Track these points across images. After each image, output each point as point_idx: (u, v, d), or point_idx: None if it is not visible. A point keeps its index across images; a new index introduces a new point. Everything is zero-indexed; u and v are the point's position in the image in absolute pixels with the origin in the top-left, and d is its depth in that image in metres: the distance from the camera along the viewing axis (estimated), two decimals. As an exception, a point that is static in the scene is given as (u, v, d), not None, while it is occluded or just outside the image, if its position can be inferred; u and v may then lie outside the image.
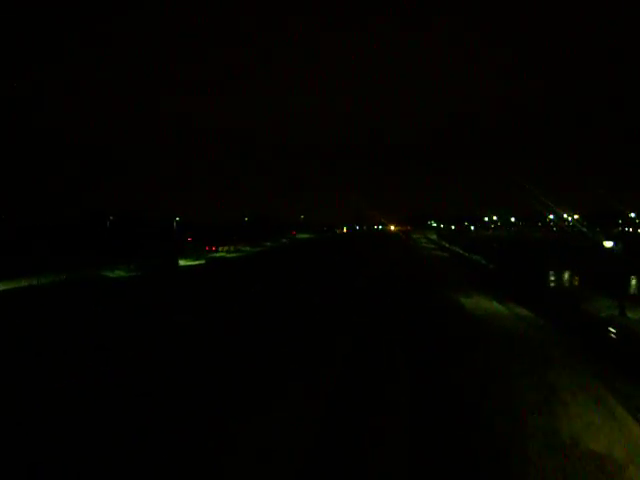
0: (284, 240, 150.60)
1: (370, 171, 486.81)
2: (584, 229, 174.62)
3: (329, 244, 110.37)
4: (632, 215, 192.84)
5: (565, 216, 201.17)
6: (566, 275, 43.74)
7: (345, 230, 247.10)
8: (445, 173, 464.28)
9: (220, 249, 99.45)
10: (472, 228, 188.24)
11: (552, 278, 42.62)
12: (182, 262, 75.54)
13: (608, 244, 43.33)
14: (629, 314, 21.53)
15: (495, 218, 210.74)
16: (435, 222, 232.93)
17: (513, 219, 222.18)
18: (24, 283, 35.90)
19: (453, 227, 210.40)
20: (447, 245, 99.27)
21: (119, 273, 54.80)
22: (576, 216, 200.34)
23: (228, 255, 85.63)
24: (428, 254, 65.07)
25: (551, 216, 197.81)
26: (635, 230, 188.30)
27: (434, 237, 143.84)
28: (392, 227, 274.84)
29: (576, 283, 37.92)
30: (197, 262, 72.67)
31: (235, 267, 63.89)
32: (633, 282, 37.26)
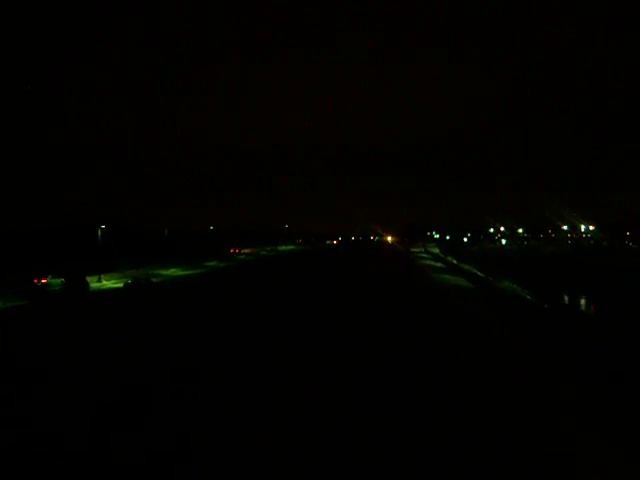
0: (264, 252, 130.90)
1: (366, 180, 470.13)
2: (604, 243, 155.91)
3: (310, 261, 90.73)
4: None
5: (577, 228, 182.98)
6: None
7: (335, 242, 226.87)
8: (445, 182, 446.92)
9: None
10: (503, 241, 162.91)
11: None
12: (109, 283, 56.38)
13: None
14: None
15: (503, 229, 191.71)
16: (436, 233, 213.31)
17: (521, 230, 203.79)
18: None
19: (466, 239, 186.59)
20: (455, 262, 79.79)
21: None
22: (591, 227, 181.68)
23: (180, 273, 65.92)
24: (437, 278, 45.59)
25: (565, 227, 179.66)
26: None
27: (436, 251, 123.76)
28: (389, 238, 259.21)
29: None
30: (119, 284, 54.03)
31: (162, 295, 45.60)
32: None
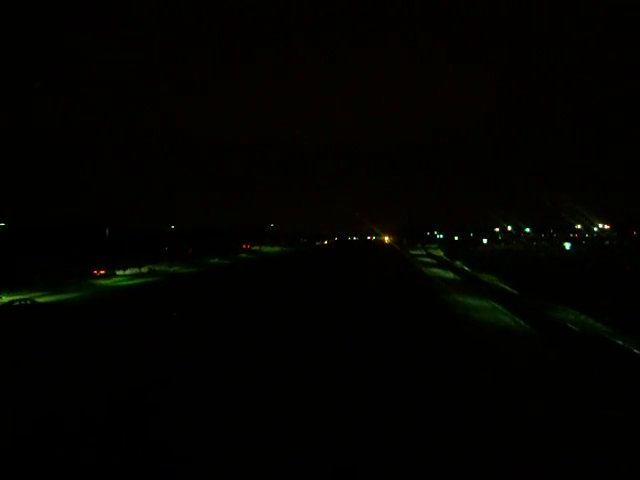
0: (243, 254, 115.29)
1: (363, 179, 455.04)
2: (626, 243, 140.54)
3: (291, 268, 75.70)
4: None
5: (597, 226, 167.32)
6: None
7: (327, 243, 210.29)
8: (444, 181, 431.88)
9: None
10: (567, 245, 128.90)
11: None
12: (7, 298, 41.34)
13: None
14: None
15: (510, 228, 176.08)
16: (438, 233, 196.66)
17: (528, 229, 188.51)
18: None
19: (486, 241, 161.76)
20: (467, 268, 64.57)
21: None
22: (606, 226, 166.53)
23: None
24: (461, 308, 30.05)
25: (578, 226, 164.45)
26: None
27: (440, 253, 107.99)
28: (386, 238, 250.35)
29: None
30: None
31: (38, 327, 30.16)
32: None
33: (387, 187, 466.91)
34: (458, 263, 75.37)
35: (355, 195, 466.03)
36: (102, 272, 50.72)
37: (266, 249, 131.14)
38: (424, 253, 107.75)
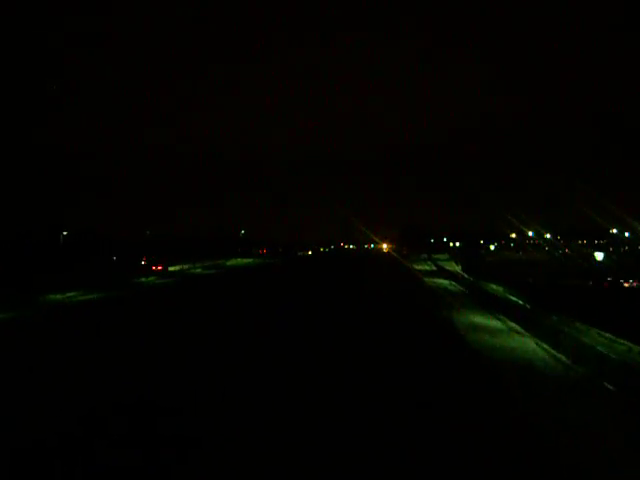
0: (198, 269, 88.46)
1: (360, 183, 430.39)
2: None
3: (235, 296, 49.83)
4: None
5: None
6: None
7: (310, 252, 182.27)
8: (447, 184, 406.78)
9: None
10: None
11: None
12: None
13: None
14: None
15: (531, 234, 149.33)
16: (453, 241, 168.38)
17: (548, 235, 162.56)
18: None
19: (514, 251, 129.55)
20: (517, 300, 38.88)
21: None
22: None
23: None
24: None
25: (614, 230, 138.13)
26: None
27: (456, 268, 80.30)
28: (384, 246, 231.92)
29: None
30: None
31: None
32: None
33: (384, 191, 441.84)
34: (496, 288, 48.67)
35: (353, 202, 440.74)
36: (159, 268, 59.18)
37: (231, 262, 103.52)
38: (434, 269, 78.87)
